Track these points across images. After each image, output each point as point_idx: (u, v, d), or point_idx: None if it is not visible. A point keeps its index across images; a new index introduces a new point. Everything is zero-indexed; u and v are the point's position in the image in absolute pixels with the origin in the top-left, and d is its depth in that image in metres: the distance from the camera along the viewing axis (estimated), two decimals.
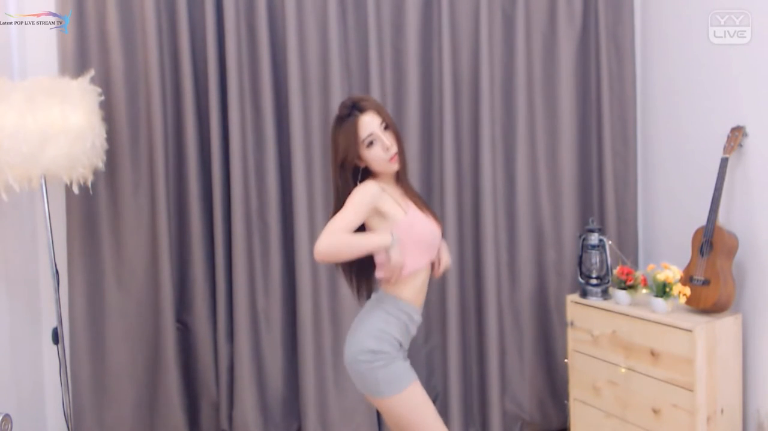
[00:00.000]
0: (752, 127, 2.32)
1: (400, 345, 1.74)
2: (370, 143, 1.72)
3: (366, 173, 1.79)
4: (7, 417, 2.14)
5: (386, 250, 1.65)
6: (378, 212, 1.72)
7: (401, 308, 1.74)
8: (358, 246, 1.64)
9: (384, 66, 2.78)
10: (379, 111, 1.74)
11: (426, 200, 2.85)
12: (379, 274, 1.76)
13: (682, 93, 2.69)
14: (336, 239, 1.59)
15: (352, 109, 1.73)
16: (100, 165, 2.37)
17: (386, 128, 1.74)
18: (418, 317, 1.79)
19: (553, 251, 2.93)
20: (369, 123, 1.71)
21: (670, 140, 2.79)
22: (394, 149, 1.73)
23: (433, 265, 1.84)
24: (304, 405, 2.71)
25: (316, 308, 2.74)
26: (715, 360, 2.21)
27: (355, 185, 1.74)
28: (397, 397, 1.67)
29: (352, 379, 1.75)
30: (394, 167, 1.75)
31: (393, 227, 1.71)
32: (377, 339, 1.69)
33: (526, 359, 2.92)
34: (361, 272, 1.86)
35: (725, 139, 2.34)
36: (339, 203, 1.74)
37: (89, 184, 2.36)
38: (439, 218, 2.08)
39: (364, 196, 1.68)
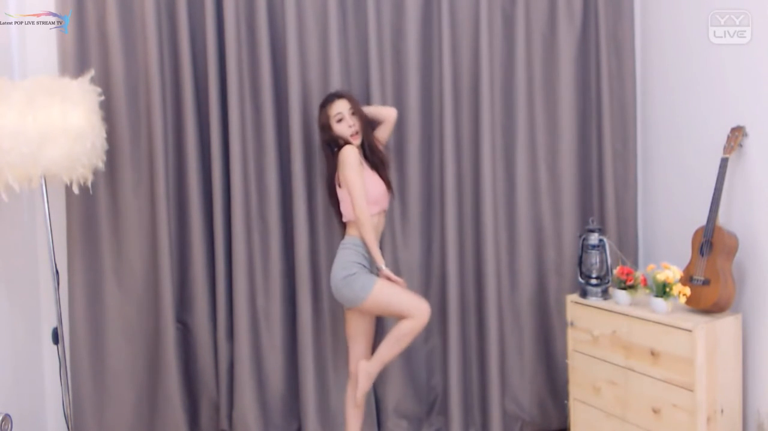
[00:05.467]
0: (752, 127, 2.32)
1: (361, 264, 2.38)
2: (339, 120, 2.42)
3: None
4: (7, 417, 2.14)
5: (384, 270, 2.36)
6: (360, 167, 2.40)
7: (356, 243, 2.41)
8: (369, 240, 2.36)
9: (384, 66, 2.78)
10: (350, 99, 2.46)
11: (426, 200, 2.86)
12: (345, 219, 2.48)
13: (682, 93, 2.69)
14: (365, 218, 2.35)
15: (333, 96, 2.49)
16: (100, 165, 2.36)
17: (353, 113, 2.44)
18: None
19: (553, 251, 2.93)
20: (340, 105, 2.44)
21: (670, 140, 2.79)
22: (356, 128, 2.44)
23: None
24: (304, 405, 2.71)
25: (316, 308, 2.74)
26: (715, 360, 2.21)
27: (332, 151, 2.48)
28: (372, 294, 2.30)
29: (342, 302, 2.39)
30: (356, 141, 2.44)
31: None
32: (344, 268, 2.35)
33: (526, 359, 2.93)
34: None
35: (725, 139, 2.34)
36: (326, 166, 2.53)
37: (89, 184, 2.36)
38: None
39: (352, 161, 2.37)
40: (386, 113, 2.58)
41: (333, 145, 2.47)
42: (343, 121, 2.43)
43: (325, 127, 2.46)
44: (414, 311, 2.32)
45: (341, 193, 2.45)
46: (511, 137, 2.89)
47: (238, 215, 2.65)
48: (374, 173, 2.49)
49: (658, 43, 2.85)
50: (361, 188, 2.35)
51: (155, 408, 2.70)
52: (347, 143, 2.43)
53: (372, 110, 2.58)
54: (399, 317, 2.36)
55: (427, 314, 2.33)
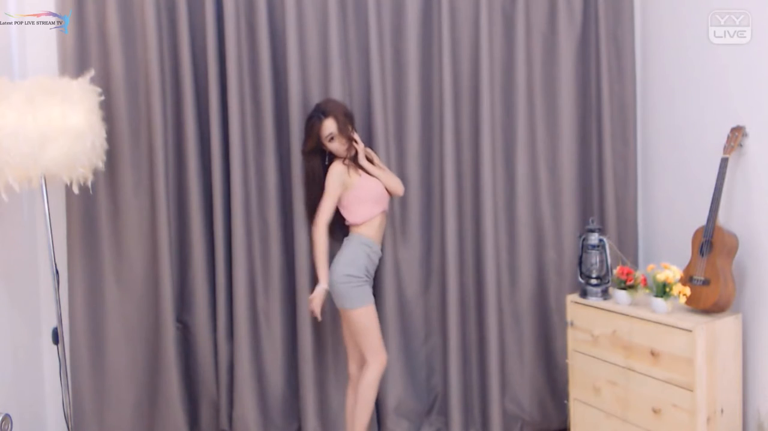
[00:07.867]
0: (752, 127, 2.32)
1: (367, 270, 2.48)
2: (331, 139, 2.50)
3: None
4: (7, 417, 2.14)
5: (319, 288, 2.45)
6: (344, 185, 2.49)
7: (363, 242, 2.51)
8: (318, 258, 2.46)
9: (384, 66, 2.78)
10: (337, 117, 2.49)
11: (426, 200, 2.86)
12: (348, 221, 2.56)
13: (682, 93, 2.69)
14: (317, 237, 2.45)
15: (319, 113, 2.51)
16: (100, 165, 2.36)
17: (341, 132, 2.49)
18: (377, 249, 2.56)
19: (553, 251, 2.93)
20: (329, 126, 2.49)
21: (670, 140, 2.79)
22: (345, 146, 2.51)
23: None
24: (304, 405, 2.71)
25: None
26: (715, 360, 2.21)
27: (325, 162, 2.57)
28: (358, 310, 2.41)
29: (333, 297, 2.47)
30: (350, 154, 2.53)
31: (352, 191, 2.50)
32: (350, 265, 2.44)
33: (526, 359, 2.93)
34: (340, 225, 2.62)
35: (725, 139, 2.34)
36: (308, 180, 2.60)
37: (89, 184, 2.36)
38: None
39: (334, 181, 2.48)
40: (394, 187, 2.61)
41: (329, 156, 2.58)
42: (335, 139, 2.50)
43: (314, 149, 2.55)
44: (372, 356, 2.45)
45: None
46: (511, 137, 2.89)
47: (238, 215, 2.65)
48: (371, 176, 2.56)
49: (658, 43, 2.85)
50: (329, 211, 2.47)
51: (155, 408, 2.70)
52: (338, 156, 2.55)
53: (385, 178, 2.59)
54: (359, 349, 2.50)
55: (383, 365, 2.47)
